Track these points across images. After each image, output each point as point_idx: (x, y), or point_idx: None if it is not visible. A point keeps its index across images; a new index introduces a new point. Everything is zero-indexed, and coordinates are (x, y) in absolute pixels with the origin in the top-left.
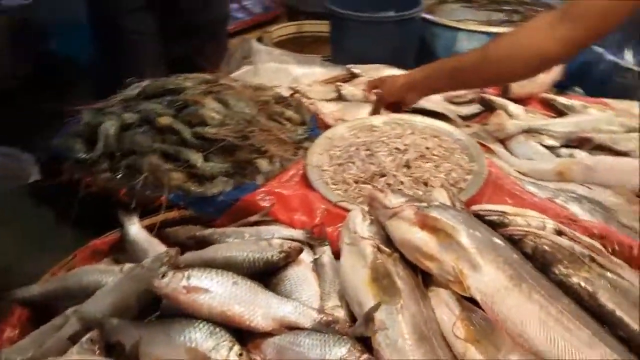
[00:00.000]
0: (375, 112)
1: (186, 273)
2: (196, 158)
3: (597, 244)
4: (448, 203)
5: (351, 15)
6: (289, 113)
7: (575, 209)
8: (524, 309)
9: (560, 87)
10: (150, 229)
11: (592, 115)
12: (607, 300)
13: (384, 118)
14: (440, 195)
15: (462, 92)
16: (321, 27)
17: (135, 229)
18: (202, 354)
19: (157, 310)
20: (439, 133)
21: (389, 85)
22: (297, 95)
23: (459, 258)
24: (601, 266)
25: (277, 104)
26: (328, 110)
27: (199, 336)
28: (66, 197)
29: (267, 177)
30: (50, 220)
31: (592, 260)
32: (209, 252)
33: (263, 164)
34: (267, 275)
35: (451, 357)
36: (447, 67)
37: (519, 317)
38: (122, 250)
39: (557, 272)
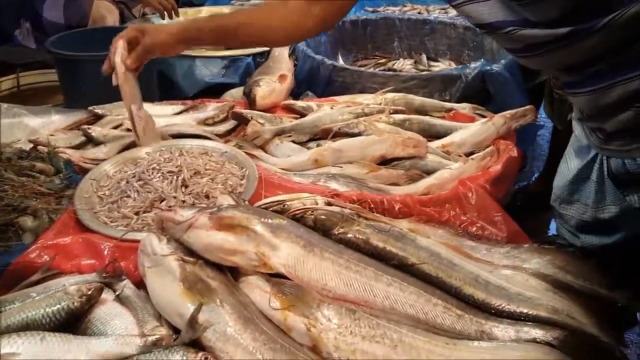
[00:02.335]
0: (137, 61)
1: None
2: None
3: (358, 207)
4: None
5: (80, 56)
6: (40, 165)
7: (334, 185)
8: (321, 267)
9: (296, 94)
10: None
11: (327, 110)
12: (377, 241)
13: (147, 149)
14: (225, 200)
15: (212, 113)
16: (41, 76)
17: None
18: None
19: None
20: (206, 150)
21: (153, 34)
22: (40, 147)
23: (258, 244)
24: (366, 219)
25: (21, 159)
26: (94, 155)
27: None
28: None
29: (36, 233)
30: None
31: (359, 216)
32: None
33: (27, 221)
34: (71, 325)
35: (274, 328)
36: (217, 23)
37: (319, 274)
38: None
39: (336, 232)
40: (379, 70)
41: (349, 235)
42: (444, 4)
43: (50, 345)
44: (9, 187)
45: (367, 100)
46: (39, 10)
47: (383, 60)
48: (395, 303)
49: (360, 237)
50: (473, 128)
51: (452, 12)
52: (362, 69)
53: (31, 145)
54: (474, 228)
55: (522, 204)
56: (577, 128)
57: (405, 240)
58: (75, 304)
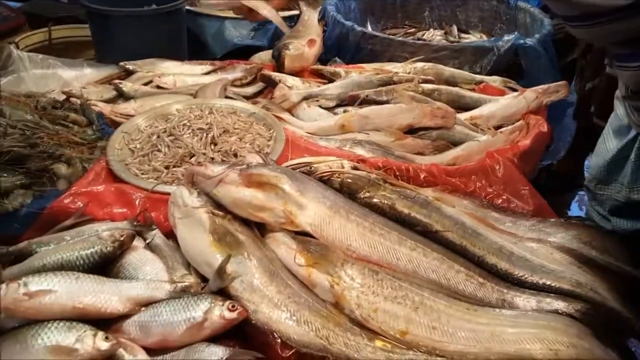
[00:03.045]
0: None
1: (21, 281)
2: None
3: (384, 173)
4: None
5: (113, 11)
6: (73, 116)
7: (360, 151)
8: (346, 227)
9: (324, 59)
10: None
11: (355, 77)
12: (402, 207)
13: (178, 105)
14: (254, 158)
15: (240, 74)
16: (71, 31)
17: None
18: (67, 348)
19: None
20: (235, 110)
21: None
22: (73, 98)
23: (286, 202)
24: (392, 185)
25: (55, 109)
26: (125, 110)
27: (57, 334)
28: None
29: (69, 180)
30: None
31: (385, 182)
32: (35, 261)
33: (61, 168)
34: (103, 268)
35: (298, 283)
36: None
37: (344, 235)
38: None
39: (362, 196)
40: (410, 39)
41: (375, 200)
42: None
43: (84, 284)
44: (44, 134)
45: (396, 68)
46: None
47: (412, 30)
48: (418, 267)
49: (385, 202)
50: (503, 101)
51: None
52: (392, 36)
53: (64, 96)
54: (500, 200)
55: (545, 183)
56: (619, 107)
57: (430, 208)
58: (108, 248)
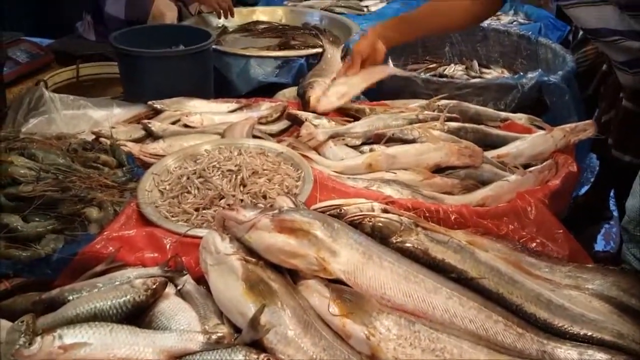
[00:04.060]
0: (352, 67)
1: (55, 334)
2: (14, 221)
3: (415, 216)
4: (293, 207)
5: (142, 52)
6: (104, 157)
7: (388, 191)
8: (380, 275)
9: None
10: None
11: (381, 115)
12: (436, 252)
13: (207, 145)
14: (284, 202)
15: (265, 112)
16: (100, 68)
17: None
18: None
19: None
20: (263, 150)
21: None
22: (102, 138)
23: (319, 249)
24: (424, 229)
25: (86, 150)
26: (154, 150)
27: None
28: None
29: (101, 224)
30: None
31: (417, 226)
32: (68, 310)
33: (93, 212)
34: (135, 317)
35: (332, 333)
36: (405, 17)
37: (378, 283)
38: None
39: (394, 241)
40: (430, 75)
41: (407, 245)
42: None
43: (118, 336)
44: (76, 178)
45: (421, 106)
46: (101, 4)
47: (433, 65)
48: (455, 317)
49: (418, 247)
50: (530, 140)
51: (505, 19)
52: (415, 74)
53: (93, 136)
54: (534, 244)
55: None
56: None
57: (464, 253)
58: (141, 297)
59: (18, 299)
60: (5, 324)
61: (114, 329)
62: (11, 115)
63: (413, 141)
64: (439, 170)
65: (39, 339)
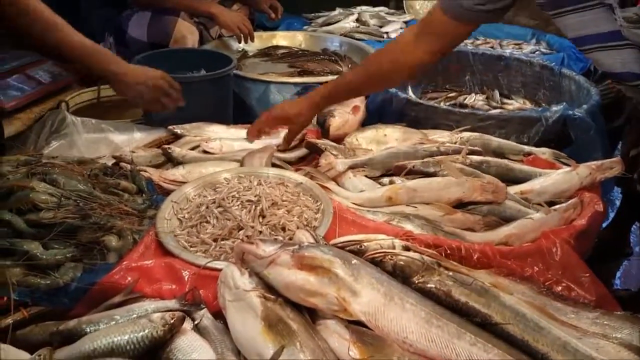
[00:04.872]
0: (287, 144)
1: None
2: (34, 248)
3: (437, 254)
4: (313, 242)
5: None
6: (124, 184)
7: (409, 226)
8: (402, 318)
9: (367, 124)
10: None
11: (401, 146)
12: (459, 295)
13: (226, 174)
14: (304, 236)
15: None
16: None
17: None
18: None
19: None
20: (282, 180)
21: (296, 115)
22: (122, 163)
23: (339, 288)
24: (447, 269)
25: (107, 176)
26: (173, 176)
27: None
28: None
29: (120, 253)
30: None
31: (439, 265)
32: (85, 344)
33: (112, 240)
34: (152, 352)
35: None
36: (341, 86)
37: (400, 326)
38: None
39: (416, 281)
40: (450, 104)
41: (430, 285)
42: (519, 39)
43: None
44: (96, 205)
45: (442, 137)
46: (124, 26)
47: (453, 94)
48: None
49: (441, 288)
50: (555, 176)
51: (527, 48)
52: (437, 104)
53: (114, 160)
54: (559, 287)
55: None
56: None
57: (489, 296)
58: (159, 332)
59: (35, 329)
60: (23, 355)
61: None
62: (33, 138)
63: (434, 174)
64: (460, 205)
65: None
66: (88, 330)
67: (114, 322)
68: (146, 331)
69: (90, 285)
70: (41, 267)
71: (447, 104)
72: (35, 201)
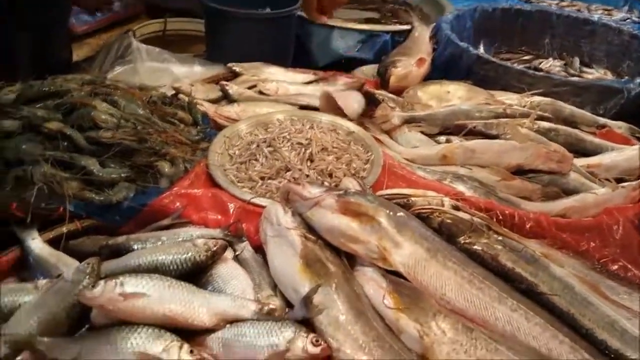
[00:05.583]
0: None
1: (118, 281)
2: (92, 164)
3: (488, 217)
4: (359, 190)
5: (229, 11)
6: (181, 114)
7: (461, 187)
8: (442, 275)
9: (430, 79)
10: (52, 242)
11: (464, 104)
12: (507, 260)
13: (279, 115)
14: (351, 184)
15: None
16: (186, 24)
17: (37, 244)
18: (153, 357)
19: (84, 323)
20: (335, 127)
21: None
22: (181, 95)
23: (381, 237)
24: (496, 233)
25: (165, 105)
26: (227, 113)
27: (146, 340)
28: None
29: (171, 179)
30: None
31: (489, 228)
32: (132, 259)
33: (165, 166)
34: (193, 276)
35: (384, 326)
36: None
37: (439, 283)
38: (25, 268)
39: (462, 241)
40: (525, 67)
41: (476, 247)
42: (609, 5)
43: (176, 293)
44: (153, 130)
45: (510, 100)
46: None
47: (529, 57)
48: (517, 331)
49: (488, 251)
50: (628, 152)
51: (617, 15)
52: (509, 64)
53: (173, 91)
54: (615, 266)
55: None
56: None
57: (538, 265)
58: (201, 256)
59: (86, 241)
60: (72, 262)
61: (172, 284)
62: (99, 61)
63: (496, 137)
64: (519, 172)
65: (102, 282)
66: (135, 247)
67: (160, 243)
68: (189, 254)
69: (141, 206)
70: (96, 183)
71: (522, 66)
72: (96, 120)
